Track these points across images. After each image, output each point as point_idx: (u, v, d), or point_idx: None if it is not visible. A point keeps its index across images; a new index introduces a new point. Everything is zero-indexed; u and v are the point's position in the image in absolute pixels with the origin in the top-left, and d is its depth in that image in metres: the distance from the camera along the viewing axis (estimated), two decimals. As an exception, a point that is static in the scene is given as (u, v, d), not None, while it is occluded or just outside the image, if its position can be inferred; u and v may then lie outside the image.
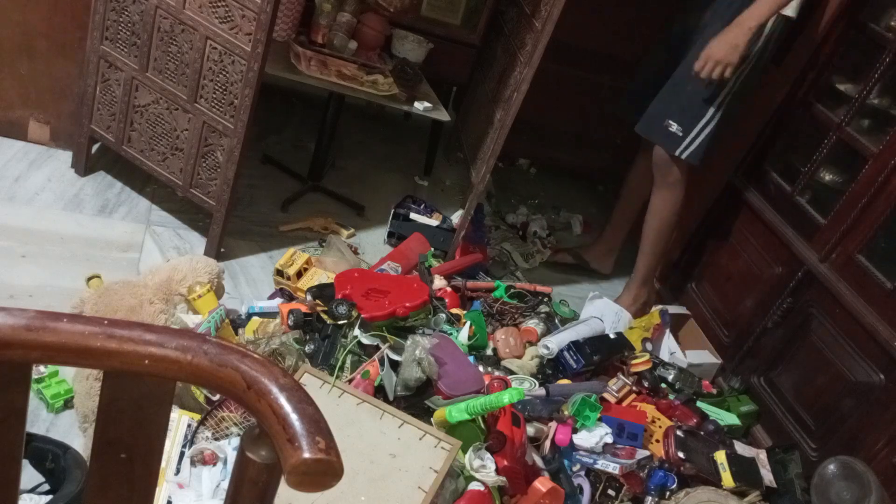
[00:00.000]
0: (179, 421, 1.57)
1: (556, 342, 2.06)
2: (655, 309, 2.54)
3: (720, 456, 1.94)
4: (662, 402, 2.13)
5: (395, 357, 1.78)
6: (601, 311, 2.45)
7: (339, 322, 1.83)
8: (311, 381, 1.66)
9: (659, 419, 2.05)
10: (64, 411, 1.62)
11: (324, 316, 1.86)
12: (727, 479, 1.89)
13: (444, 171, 3.22)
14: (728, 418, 2.24)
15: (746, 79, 2.24)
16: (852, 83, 2.23)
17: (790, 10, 2.17)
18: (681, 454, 1.90)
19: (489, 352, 2.08)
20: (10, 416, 0.67)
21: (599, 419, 1.88)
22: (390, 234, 2.60)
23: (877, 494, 1.79)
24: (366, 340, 1.81)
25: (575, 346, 2.07)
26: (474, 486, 1.57)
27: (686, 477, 1.90)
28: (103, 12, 2.06)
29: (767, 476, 2.00)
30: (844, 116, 2.19)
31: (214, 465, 1.52)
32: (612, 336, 2.20)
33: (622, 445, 1.87)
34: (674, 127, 2.32)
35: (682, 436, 1.95)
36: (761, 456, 2.07)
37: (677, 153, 2.34)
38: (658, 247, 2.58)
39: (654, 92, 2.41)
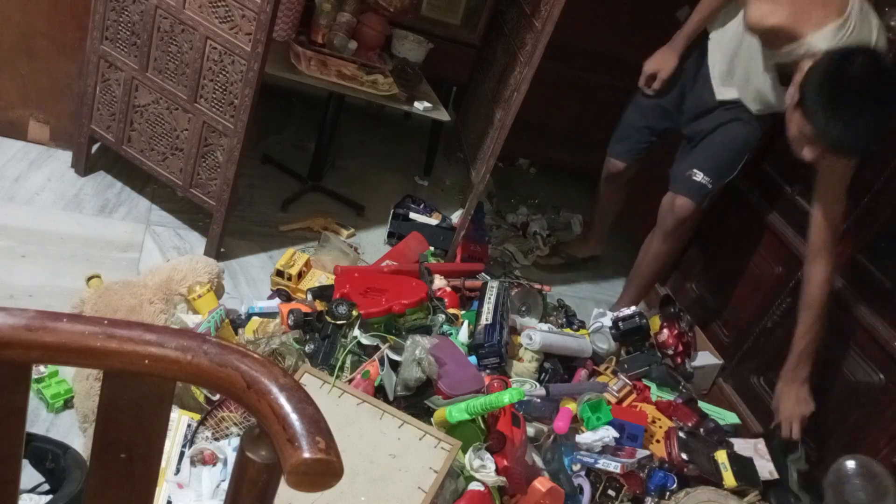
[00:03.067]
0: (179, 421, 1.57)
1: (540, 336, 2.06)
2: (655, 314, 2.55)
3: (721, 456, 1.94)
4: (662, 401, 2.13)
5: (395, 357, 1.78)
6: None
7: (339, 322, 1.83)
8: (311, 381, 1.66)
9: (659, 419, 2.05)
10: (64, 411, 1.62)
11: (329, 319, 1.86)
12: (729, 479, 1.89)
13: (444, 171, 3.22)
14: (729, 418, 2.24)
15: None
16: (852, 83, 2.23)
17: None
18: (684, 456, 1.89)
19: None
20: (10, 416, 0.67)
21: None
22: (390, 234, 2.60)
23: (894, 496, 1.78)
24: (366, 340, 1.81)
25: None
26: (474, 486, 1.57)
27: (687, 477, 1.90)
28: (103, 12, 2.06)
29: (767, 466, 2.00)
30: (844, 116, 2.18)
31: (214, 465, 1.52)
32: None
33: (622, 446, 1.87)
34: (699, 176, 2.29)
35: (684, 437, 1.95)
36: (760, 446, 2.07)
37: (704, 203, 2.36)
38: (650, 286, 2.65)
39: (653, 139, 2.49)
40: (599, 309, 2.51)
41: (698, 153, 2.32)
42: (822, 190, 1.98)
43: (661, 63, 2.34)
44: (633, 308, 2.39)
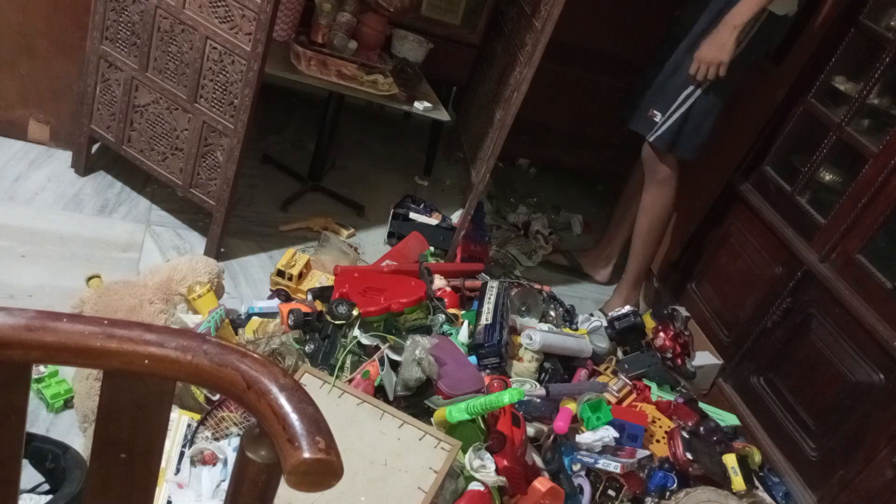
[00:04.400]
0: (179, 421, 1.57)
1: (540, 336, 2.06)
2: (646, 312, 2.55)
3: (730, 460, 1.94)
4: (662, 401, 2.13)
5: (395, 357, 1.78)
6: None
7: (339, 322, 1.83)
8: (311, 381, 1.66)
9: (659, 419, 2.05)
10: (64, 411, 1.62)
11: (328, 319, 1.86)
12: (738, 483, 1.90)
13: (444, 171, 3.22)
14: (728, 418, 2.24)
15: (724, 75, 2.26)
16: (852, 83, 2.23)
17: (783, 8, 2.18)
18: (689, 455, 1.90)
19: None
20: (10, 416, 0.67)
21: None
22: (390, 234, 2.60)
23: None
24: (366, 340, 1.81)
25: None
26: (474, 486, 1.57)
27: (690, 477, 1.90)
28: (103, 12, 2.06)
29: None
30: (844, 116, 2.19)
31: (214, 465, 1.52)
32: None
33: (622, 446, 1.87)
34: (656, 115, 2.39)
35: (688, 437, 1.96)
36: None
37: (648, 136, 2.42)
38: (648, 247, 2.61)
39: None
40: (584, 315, 2.50)
41: (656, 89, 2.39)
42: None
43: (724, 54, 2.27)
44: (626, 307, 2.39)
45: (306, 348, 1.81)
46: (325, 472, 0.61)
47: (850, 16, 2.25)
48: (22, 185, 2.21)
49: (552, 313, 2.40)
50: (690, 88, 2.31)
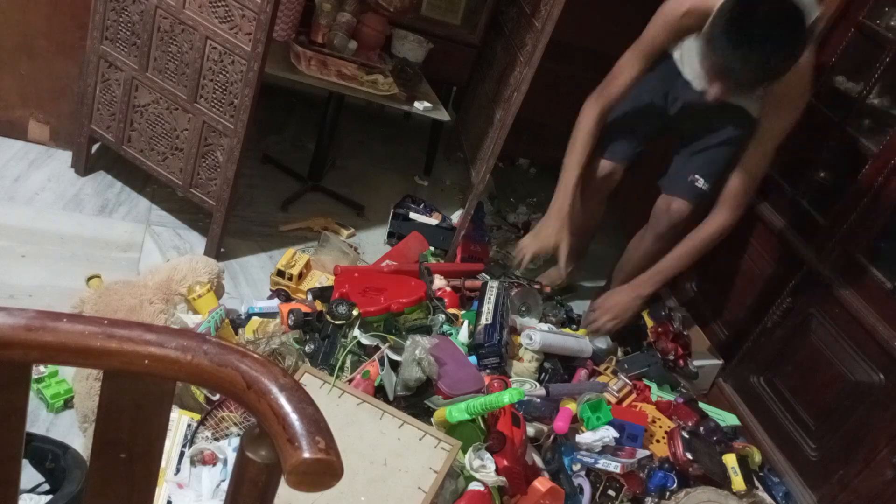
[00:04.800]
0: (179, 421, 1.57)
1: (540, 336, 2.05)
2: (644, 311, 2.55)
3: (730, 460, 1.94)
4: (662, 401, 2.13)
5: (395, 357, 1.78)
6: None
7: (339, 322, 1.83)
8: (311, 381, 1.66)
9: (659, 419, 2.05)
10: (64, 411, 1.62)
11: (328, 319, 1.86)
12: (738, 483, 1.90)
13: (444, 171, 3.22)
14: (729, 419, 2.24)
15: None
16: (853, 83, 2.23)
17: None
18: (689, 455, 1.90)
19: None
20: (10, 416, 0.67)
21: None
22: (390, 234, 2.60)
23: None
24: (365, 340, 1.81)
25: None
26: (474, 486, 1.57)
27: (690, 477, 1.90)
28: (103, 12, 2.06)
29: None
30: (844, 116, 2.19)
31: (214, 465, 1.52)
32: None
33: (622, 446, 1.87)
34: (700, 182, 2.27)
35: (688, 437, 1.96)
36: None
37: (693, 200, 2.30)
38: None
39: (646, 132, 2.37)
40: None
41: (699, 159, 2.26)
42: (755, 143, 2.04)
43: (555, 239, 2.21)
44: None
45: (306, 348, 1.81)
46: (325, 472, 0.61)
47: (850, 16, 2.25)
48: (22, 185, 2.21)
49: (552, 313, 2.41)
50: (735, 146, 2.18)
